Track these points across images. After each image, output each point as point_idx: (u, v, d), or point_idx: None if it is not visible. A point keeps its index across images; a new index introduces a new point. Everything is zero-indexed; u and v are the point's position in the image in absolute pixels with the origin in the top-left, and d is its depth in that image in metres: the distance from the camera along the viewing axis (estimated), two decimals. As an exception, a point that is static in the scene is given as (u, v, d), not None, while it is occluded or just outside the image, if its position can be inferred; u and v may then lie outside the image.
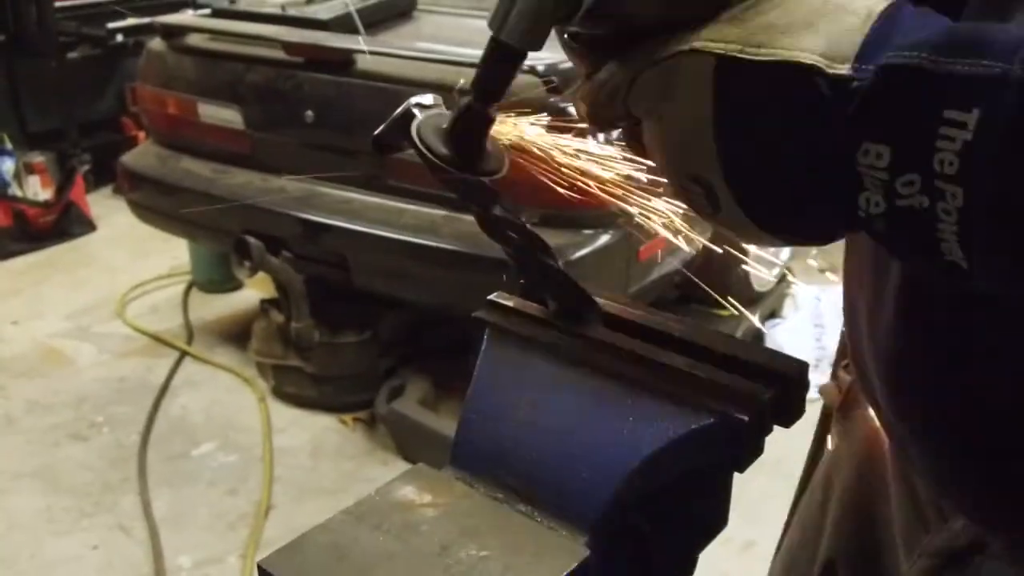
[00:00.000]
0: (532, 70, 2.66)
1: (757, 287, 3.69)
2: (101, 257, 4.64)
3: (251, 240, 3.04)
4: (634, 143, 0.62)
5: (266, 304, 3.40)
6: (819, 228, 0.55)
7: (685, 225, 0.70)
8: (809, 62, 0.50)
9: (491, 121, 0.64)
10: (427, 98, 0.66)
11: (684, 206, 0.61)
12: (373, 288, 3.10)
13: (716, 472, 0.68)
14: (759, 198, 0.54)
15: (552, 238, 2.79)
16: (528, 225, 0.69)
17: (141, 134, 4.68)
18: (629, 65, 0.57)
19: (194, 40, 3.41)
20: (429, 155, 0.64)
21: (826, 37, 0.50)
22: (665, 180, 0.59)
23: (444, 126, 0.64)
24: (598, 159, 0.71)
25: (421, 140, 0.64)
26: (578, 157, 0.71)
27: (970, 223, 0.46)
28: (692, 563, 0.72)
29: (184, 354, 3.69)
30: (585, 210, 2.64)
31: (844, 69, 0.49)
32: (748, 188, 0.54)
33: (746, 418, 0.60)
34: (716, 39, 0.52)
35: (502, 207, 0.68)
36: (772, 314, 3.73)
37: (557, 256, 0.70)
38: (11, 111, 5.26)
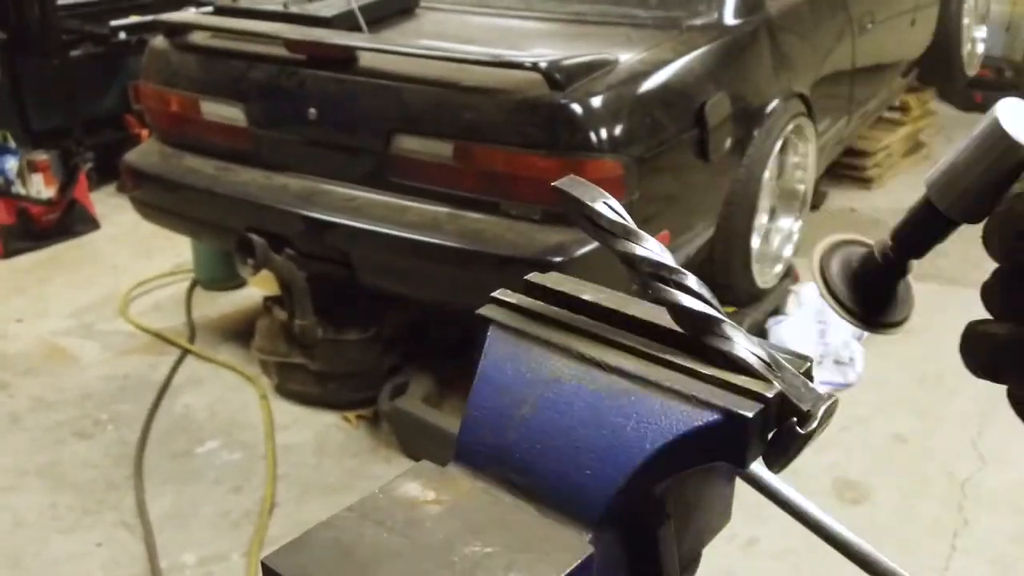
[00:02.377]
0: (535, 67, 2.66)
1: (760, 284, 3.69)
2: (105, 255, 4.65)
3: (254, 238, 3.04)
4: None
5: (269, 301, 3.40)
6: None
7: None
8: None
9: (904, 272, 0.60)
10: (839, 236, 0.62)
11: None
12: (377, 285, 3.10)
13: (720, 469, 0.68)
14: None
15: (554, 235, 2.81)
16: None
17: (144, 132, 4.69)
18: None
19: (197, 37, 3.41)
20: (833, 302, 0.60)
21: None
22: None
23: (853, 265, 0.61)
24: None
25: (828, 281, 0.61)
26: None
27: None
28: (696, 559, 0.71)
29: (187, 352, 3.70)
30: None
31: None
32: None
33: (751, 415, 0.60)
34: None
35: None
36: (775, 311, 3.73)
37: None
38: (14, 109, 5.26)
